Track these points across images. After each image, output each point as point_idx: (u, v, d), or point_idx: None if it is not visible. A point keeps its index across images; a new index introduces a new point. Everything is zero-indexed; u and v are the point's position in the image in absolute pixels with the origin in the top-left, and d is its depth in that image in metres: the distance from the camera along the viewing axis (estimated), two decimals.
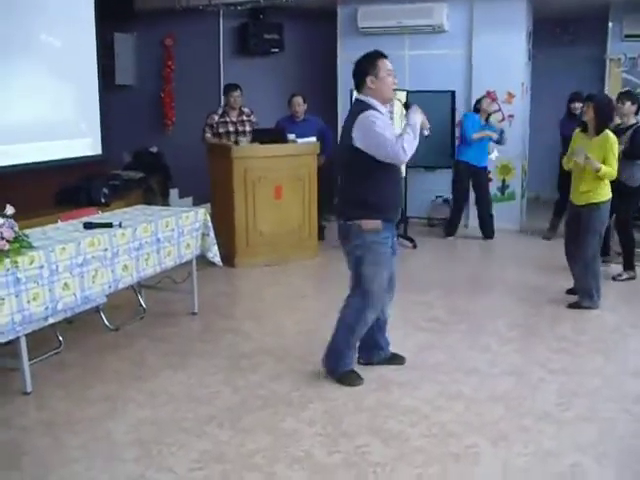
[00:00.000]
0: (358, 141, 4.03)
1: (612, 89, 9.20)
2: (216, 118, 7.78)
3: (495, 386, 4.28)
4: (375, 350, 4.58)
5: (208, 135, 7.76)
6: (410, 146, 3.97)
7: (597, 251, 5.69)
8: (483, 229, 8.56)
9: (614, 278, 6.58)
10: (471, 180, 8.44)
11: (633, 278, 6.65)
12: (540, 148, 9.61)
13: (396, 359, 4.65)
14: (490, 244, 8.39)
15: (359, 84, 4.16)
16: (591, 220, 5.61)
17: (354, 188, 4.16)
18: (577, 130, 5.82)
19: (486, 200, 8.55)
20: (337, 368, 4.37)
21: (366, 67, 4.10)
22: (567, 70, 10.50)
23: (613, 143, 5.48)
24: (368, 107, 4.07)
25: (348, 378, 4.33)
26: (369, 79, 4.08)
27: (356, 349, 4.45)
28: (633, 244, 6.69)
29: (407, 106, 4.31)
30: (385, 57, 4.14)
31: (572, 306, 5.76)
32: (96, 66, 7.97)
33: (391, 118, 4.12)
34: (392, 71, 4.12)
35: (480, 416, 3.88)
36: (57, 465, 3.42)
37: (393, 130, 4.09)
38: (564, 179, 8.09)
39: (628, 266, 6.68)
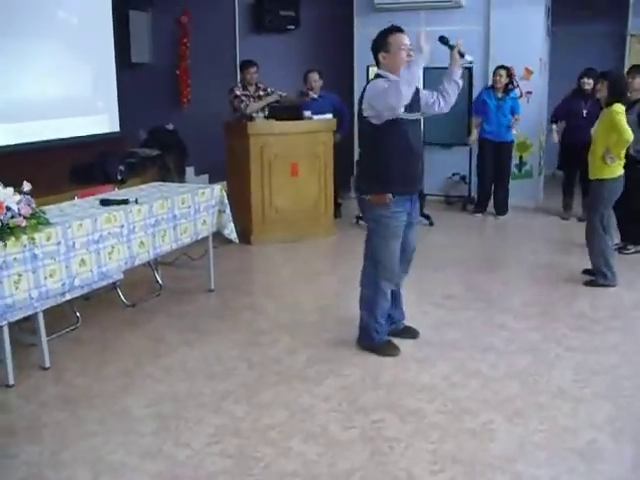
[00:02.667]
0: (366, 109, 4.10)
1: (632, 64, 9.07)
2: (241, 90, 7.71)
3: (511, 363, 4.26)
4: (387, 322, 4.59)
5: (248, 103, 7.57)
6: (403, 86, 3.86)
7: (597, 228, 5.63)
8: (497, 206, 8.51)
9: (620, 251, 6.53)
10: (493, 156, 8.37)
11: None
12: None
13: (409, 332, 4.68)
14: (507, 222, 8.34)
15: (376, 60, 4.22)
16: (594, 196, 5.62)
17: (367, 162, 4.28)
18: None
19: (506, 177, 8.49)
20: (371, 342, 4.42)
21: (378, 44, 4.17)
22: (586, 46, 10.36)
23: (616, 111, 5.42)
24: (383, 78, 4.12)
25: (384, 349, 4.40)
26: (381, 55, 4.15)
27: (387, 322, 4.48)
28: None
29: (449, 45, 4.28)
30: (400, 31, 4.13)
31: (588, 284, 5.73)
32: (112, 44, 7.96)
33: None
34: (407, 45, 4.09)
35: (496, 393, 3.88)
36: (75, 439, 3.45)
37: None
38: (567, 158, 8.06)
39: (636, 240, 6.69)
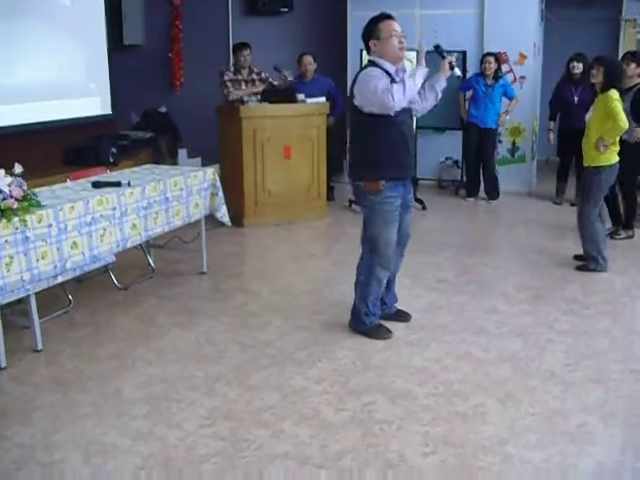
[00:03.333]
0: (357, 97, 4.11)
1: (626, 50, 9.05)
2: (230, 75, 7.70)
3: (503, 347, 4.28)
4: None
5: (232, 90, 7.63)
6: (399, 95, 3.93)
7: (590, 215, 5.64)
8: (487, 190, 8.53)
9: (611, 236, 6.56)
10: (477, 140, 8.36)
11: (631, 237, 6.71)
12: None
13: (401, 316, 4.69)
14: (500, 206, 8.35)
15: (367, 48, 4.21)
16: (589, 183, 5.62)
17: (358, 149, 4.29)
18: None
19: (489, 162, 8.48)
20: (362, 326, 4.44)
21: (369, 31, 4.16)
22: (581, 31, 10.34)
23: (612, 97, 5.41)
24: (373, 65, 4.12)
25: (376, 332, 4.41)
26: (372, 43, 4.14)
27: (378, 306, 4.48)
28: (635, 204, 6.70)
29: (442, 55, 4.26)
30: (389, 18, 4.14)
31: (580, 268, 5.75)
32: (104, 26, 7.92)
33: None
34: (398, 31, 4.09)
35: (487, 376, 3.89)
36: (67, 421, 3.45)
37: (388, 83, 4.03)
38: (564, 144, 8.06)
39: (627, 225, 6.71)
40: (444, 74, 4.23)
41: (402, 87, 3.95)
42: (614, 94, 5.43)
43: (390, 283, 4.60)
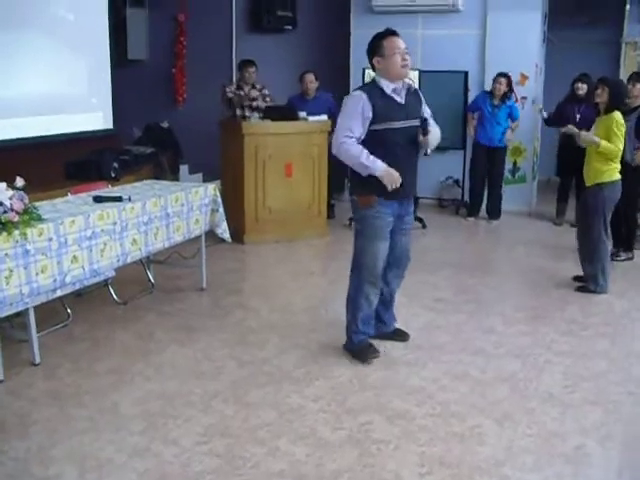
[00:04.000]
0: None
1: (627, 73, 9.09)
2: (232, 89, 7.77)
3: (501, 367, 4.28)
4: (376, 323, 4.59)
5: (228, 89, 7.76)
6: (346, 153, 4.06)
7: (601, 234, 5.63)
8: (490, 210, 8.53)
9: (612, 258, 6.54)
10: (485, 160, 8.38)
11: (631, 259, 6.72)
12: (552, 131, 9.53)
13: (399, 335, 4.68)
14: (500, 226, 8.36)
15: (371, 65, 4.20)
16: (595, 200, 5.58)
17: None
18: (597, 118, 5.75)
19: (498, 182, 8.50)
20: (351, 344, 4.42)
21: (372, 48, 4.15)
22: (582, 53, 10.37)
23: (617, 122, 5.42)
24: (372, 85, 4.16)
25: (363, 354, 4.35)
26: (375, 60, 4.13)
27: (370, 325, 4.46)
28: (635, 226, 6.72)
29: (425, 132, 4.14)
30: (394, 34, 4.12)
31: (579, 289, 5.74)
32: (108, 41, 7.95)
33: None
34: (402, 49, 4.07)
35: (485, 397, 3.89)
36: (64, 436, 3.45)
37: (357, 122, 4.06)
38: (564, 164, 8.08)
39: (627, 247, 6.73)
40: (425, 147, 4.20)
41: (352, 154, 4.04)
42: (618, 116, 5.43)
43: (387, 302, 4.59)
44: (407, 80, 4.23)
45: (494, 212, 8.51)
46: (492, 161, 8.36)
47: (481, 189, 8.54)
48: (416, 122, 4.14)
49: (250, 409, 3.73)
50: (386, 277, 4.45)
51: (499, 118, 8.19)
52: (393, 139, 4.09)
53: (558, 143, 8.21)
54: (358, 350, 4.38)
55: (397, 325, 4.72)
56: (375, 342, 4.49)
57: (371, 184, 4.10)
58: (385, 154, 4.06)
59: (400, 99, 4.11)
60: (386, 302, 4.57)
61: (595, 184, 5.56)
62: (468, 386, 4.02)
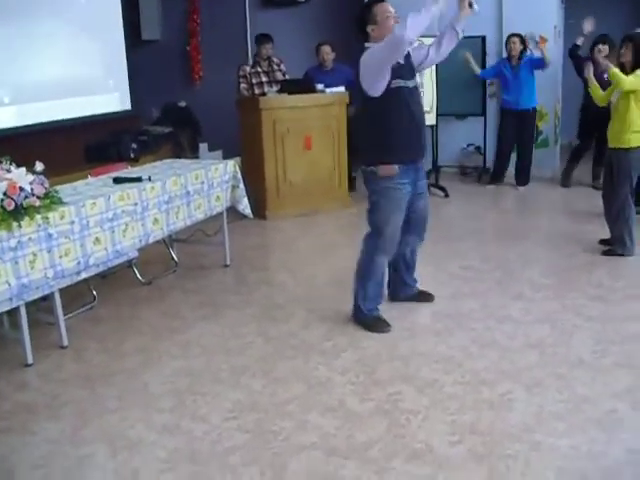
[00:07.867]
0: (364, 79, 4.04)
1: None
2: (248, 69, 7.76)
3: (529, 334, 4.24)
4: (401, 286, 4.67)
5: (243, 85, 7.74)
6: (414, 26, 3.75)
7: (628, 196, 5.55)
8: (518, 176, 8.42)
9: None
10: (515, 125, 8.26)
11: None
12: (573, 94, 9.37)
13: (424, 296, 4.72)
14: (524, 192, 8.26)
15: (364, 35, 4.15)
16: (621, 165, 5.49)
17: (367, 132, 4.21)
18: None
19: (529, 146, 8.37)
20: (361, 315, 4.41)
21: (364, 17, 4.12)
22: (602, 12, 10.13)
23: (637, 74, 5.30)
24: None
25: (375, 325, 4.36)
26: (369, 28, 4.11)
27: (380, 296, 4.46)
28: None
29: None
30: (381, 0, 4.09)
31: (606, 253, 5.66)
32: (121, 22, 7.94)
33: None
34: (392, 12, 4.05)
35: (514, 363, 3.85)
36: (94, 416, 3.47)
37: None
38: (585, 124, 7.94)
39: None
40: (463, 13, 4.12)
41: (412, 20, 3.76)
42: None
43: (410, 267, 4.63)
44: None
45: (523, 178, 8.37)
46: (521, 125, 8.21)
47: (508, 155, 8.43)
48: (415, 82, 4.19)
49: (278, 383, 3.73)
50: (407, 239, 4.45)
51: (522, 79, 8.03)
52: (407, 97, 4.07)
53: (581, 104, 8.06)
54: (371, 321, 4.37)
55: (420, 287, 4.74)
56: (406, 316, 4.50)
57: (390, 151, 4.08)
58: (404, 112, 4.06)
59: (401, 60, 4.05)
60: (408, 264, 4.60)
61: (623, 149, 5.45)
62: (497, 353, 3.99)
